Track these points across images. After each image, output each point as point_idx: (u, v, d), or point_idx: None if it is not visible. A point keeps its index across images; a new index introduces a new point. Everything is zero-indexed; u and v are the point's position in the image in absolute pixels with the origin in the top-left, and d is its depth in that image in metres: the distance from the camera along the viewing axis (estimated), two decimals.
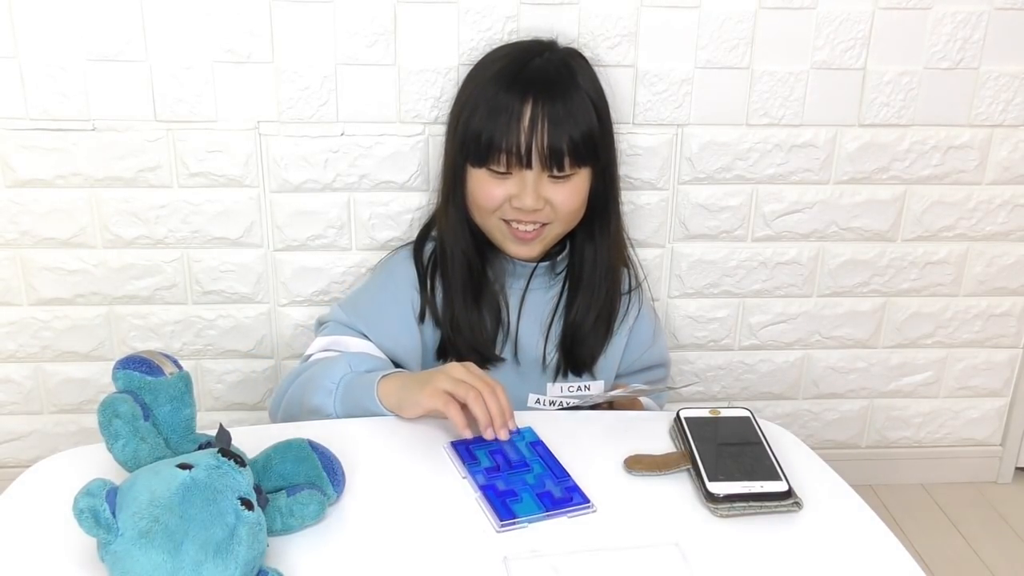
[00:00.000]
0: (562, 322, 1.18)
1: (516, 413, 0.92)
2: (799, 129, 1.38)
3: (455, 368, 0.92)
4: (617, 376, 1.23)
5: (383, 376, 0.97)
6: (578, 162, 1.09)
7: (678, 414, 0.92)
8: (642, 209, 1.41)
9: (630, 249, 1.27)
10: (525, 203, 1.08)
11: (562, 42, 1.26)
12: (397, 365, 1.14)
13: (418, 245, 1.22)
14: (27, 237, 1.34)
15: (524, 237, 1.12)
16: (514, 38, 1.27)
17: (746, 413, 0.92)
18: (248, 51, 1.27)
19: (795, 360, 1.55)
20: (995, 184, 1.45)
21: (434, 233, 1.22)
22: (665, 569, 0.73)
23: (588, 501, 0.80)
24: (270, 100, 1.29)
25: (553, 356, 1.18)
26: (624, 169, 1.37)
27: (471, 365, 0.93)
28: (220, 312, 1.41)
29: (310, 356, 1.13)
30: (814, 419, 1.61)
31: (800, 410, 1.60)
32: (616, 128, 1.33)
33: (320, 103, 1.30)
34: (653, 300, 1.47)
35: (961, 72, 1.38)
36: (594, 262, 1.17)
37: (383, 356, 1.12)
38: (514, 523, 0.77)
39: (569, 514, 0.79)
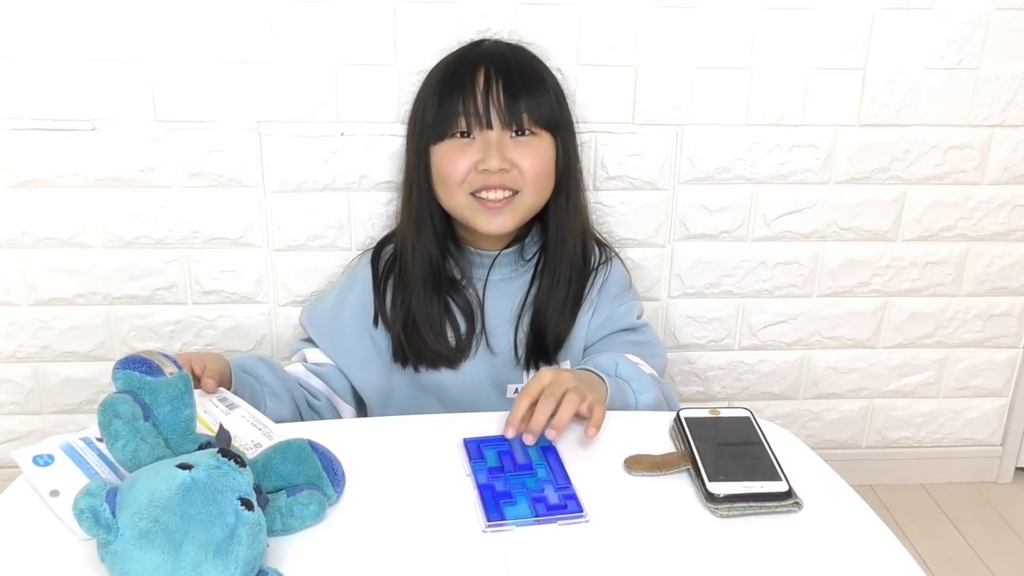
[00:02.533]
0: (532, 310, 1.17)
1: (500, 413, 0.94)
2: (799, 129, 1.38)
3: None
4: (598, 342, 1.18)
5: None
6: (537, 122, 1.10)
7: (678, 414, 0.92)
8: (642, 209, 1.41)
9: (595, 229, 1.27)
10: (491, 164, 1.08)
11: (561, 42, 1.27)
12: (353, 379, 1.19)
13: (377, 249, 1.23)
14: (27, 237, 1.34)
15: (494, 207, 1.11)
16: (514, 38, 1.26)
17: (746, 413, 0.92)
18: (248, 51, 1.27)
19: (795, 360, 1.55)
20: (995, 184, 1.45)
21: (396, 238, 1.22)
22: (665, 570, 0.73)
23: (582, 511, 0.79)
24: (270, 100, 1.29)
25: (524, 345, 1.17)
26: (624, 169, 1.37)
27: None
28: (220, 312, 1.41)
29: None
30: (814, 419, 1.61)
31: (800, 410, 1.60)
32: (616, 128, 1.35)
33: (320, 103, 1.30)
34: (652, 300, 1.47)
35: (961, 72, 1.38)
36: (557, 243, 1.16)
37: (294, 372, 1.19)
38: (501, 525, 0.77)
39: (559, 522, 0.78)
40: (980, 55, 1.37)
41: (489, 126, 1.09)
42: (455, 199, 1.12)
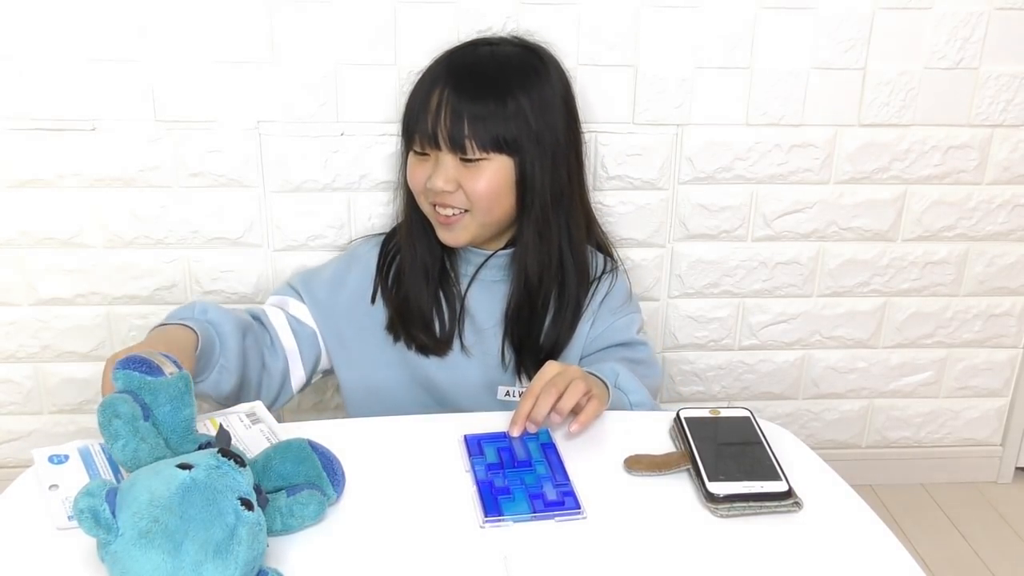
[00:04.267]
0: (516, 321, 1.17)
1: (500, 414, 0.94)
2: (799, 129, 1.38)
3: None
4: (594, 353, 1.18)
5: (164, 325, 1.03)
6: (484, 147, 1.08)
7: (678, 414, 0.92)
8: (642, 209, 1.41)
9: (603, 235, 1.27)
10: (435, 184, 1.09)
11: (561, 42, 1.27)
12: (330, 336, 1.18)
13: (391, 233, 1.25)
14: (27, 237, 1.34)
15: (445, 222, 1.13)
16: (525, 37, 1.26)
17: (746, 413, 0.92)
18: (248, 51, 1.27)
19: (795, 360, 1.55)
20: (995, 184, 1.45)
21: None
22: (665, 569, 0.73)
23: (579, 508, 0.79)
24: (270, 100, 1.29)
25: (512, 353, 1.17)
26: (624, 169, 1.37)
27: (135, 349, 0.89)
28: None
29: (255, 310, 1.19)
30: (814, 419, 1.61)
31: (800, 410, 1.60)
32: (616, 128, 1.35)
33: (320, 103, 1.30)
34: (652, 300, 1.47)
35: (961, 72, 1.38)
36: (522, 262, 1.14)
37: (273, 320, 1.16)
38: (499, 520, 0.77)
39: (556, 518, 0.79)
40: (980, 55, 1.37)
41: (439, 147, 1.09)
42: (422, 206, 1.15)
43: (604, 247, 1.25)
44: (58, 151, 1.29)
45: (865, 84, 1.37)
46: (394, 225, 1.27)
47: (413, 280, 1.17)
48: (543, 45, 1.20)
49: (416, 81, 1.16)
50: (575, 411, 0.91)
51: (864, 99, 1.38)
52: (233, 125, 1.30)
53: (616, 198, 1.39)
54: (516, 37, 1.22)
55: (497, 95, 1.09)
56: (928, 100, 1.38)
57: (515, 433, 0.90)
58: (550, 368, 0.94)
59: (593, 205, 1.29)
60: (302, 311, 1.19)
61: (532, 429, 0.90)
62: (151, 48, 1.25)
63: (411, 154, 1.14)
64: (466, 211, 1.11)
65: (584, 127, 1.29)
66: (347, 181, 1.34)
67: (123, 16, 1.24)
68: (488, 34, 1.26)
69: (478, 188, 1.09)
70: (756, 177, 1.41)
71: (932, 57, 1.36)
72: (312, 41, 1.27)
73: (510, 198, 1.12)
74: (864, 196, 1.44)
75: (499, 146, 1.09)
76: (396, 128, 1.31)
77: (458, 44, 1.19)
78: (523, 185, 1.11)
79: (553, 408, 0.89)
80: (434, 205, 1.12)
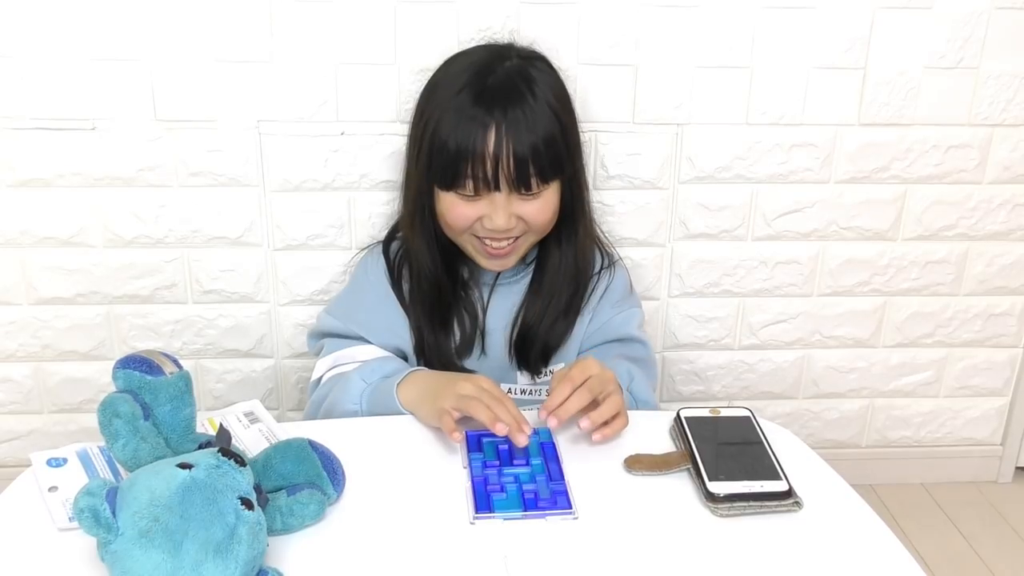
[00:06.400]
0: (521, 318, 1.18)
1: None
2: (799, 129, 1.38)
3: (463, 385, 0.93)
4: (592, 348, 1.19)
5: (400, 382, 1.00)
6: (545, 180, 1.08)
7: (678, 413, 0.92)
8: (642, 209, 1.41)
9: (599, 232, 1.27)
10: (497, 224, 1.07)
11: (561, 41, 1.26)
12: (404, 358, 1.17)
13: (386, 243, 1.23)
14: (27, 237, 1.34)
15: (498, 254, 1.12)
16: (514, 38, 1.26)
17: (746, 413, 0.92)
18: (248, 51, 1.27)
19: (795, 360, 1.55)
20: (995, 184, 1.45)
21: (400, 234, 1.22)
22: (665, 569, 0.73)
23: (570, 507, 0.80)
24: (270, 100, 1.29)
25: (518, 350, 1.18)
26: (624, 169, 1.37)
27: (481, 379, 0.95)
28: (220, 311, 1.41)
29: (320, 379, 1.15)
30: (814, 419, 1.61)
31: (800, 410, 1.60)
32: (616, 127, 1.35)
33: (320, 103, 1.30)
34: (652, 299, 1.47)
35: (961, 72, 1.38)
36: (558, 267, 1.16)
37: (388, 354, 1.15)
38: (489, 517, 0.78)
39: (547, 517, 0.79)
40: (980, 55, 1.37)
41: (497, 189, 1.07)
42: (459, 239, 1.14)
43: (601, 243, 1.26)
44: (58, 151, 1.29)
45: (865, 84, 1.37)
46: (388, 228, 1.28)
47: (432, 317, 1.16)
48: (532, 47, 1.20)
49: (440, 121, 1.08)
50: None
51: (864, 99, 1.38)
52: (233, 125, 1.30)
53: (616, 198, 1.39)
54: (506, 44, 1.18)
55: (547, 125, 1.07)
56: (928, 100, 1.38)
57: (542, 416, 0.89)
58: (591, 364, 0.92)
59: (593, 204, 1.30)
60: (370, 351, 1.14)
61: (553, 424, 0.89)
62: (151, 48, 1.25)
63: (452, 194, 1.08)
64: (519, 237, 1.11)
65: (584, 126, 1.30)
66: (347, 181, 1.34)
67: (123, 16, 1.23)
68: (488, 35, 1.26)
69: (542, 215, 1.10)
70: (756, 177, 1.41)
71: (932, 57, 1.36)
72: (312, 41, 1.27)
73: (557, 215, 1.13)
74: (864, 196, 1.44)
75: (557, 172, 1.10)
76: (396, 128, 1.31)
77: (472, 72, 1.10)
78: (564, 198, 1.13)
79: (586, 413, 0.89)
80: (481, 238, 1.11)
